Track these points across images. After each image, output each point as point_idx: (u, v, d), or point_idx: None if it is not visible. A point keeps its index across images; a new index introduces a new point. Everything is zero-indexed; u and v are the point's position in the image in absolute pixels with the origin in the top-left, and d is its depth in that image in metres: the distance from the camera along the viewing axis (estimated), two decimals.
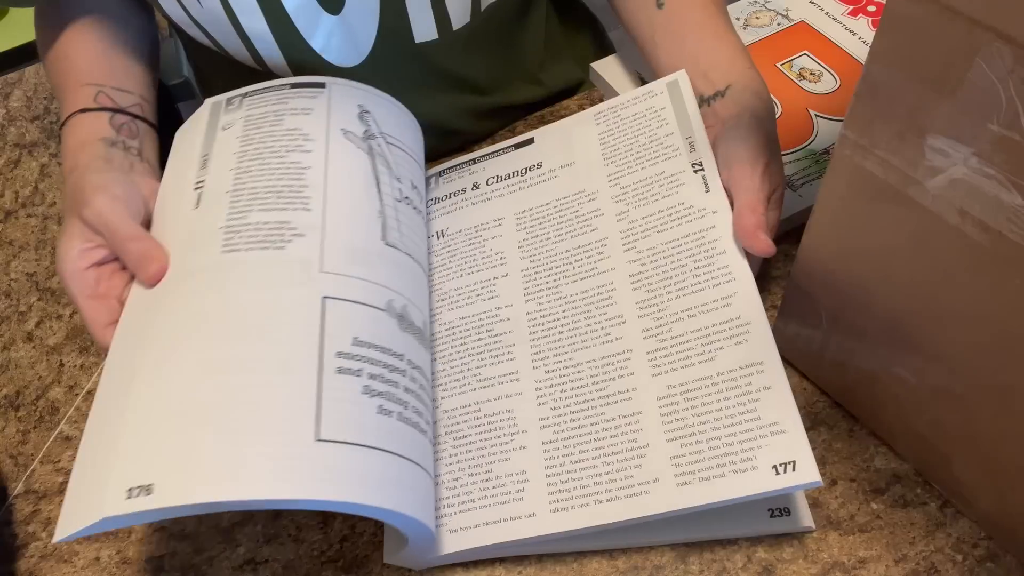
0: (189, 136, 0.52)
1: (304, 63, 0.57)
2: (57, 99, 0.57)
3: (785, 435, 0.39)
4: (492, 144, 0.65)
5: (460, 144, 0.66)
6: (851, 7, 0.66)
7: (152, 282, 0.44)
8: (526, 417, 0.45)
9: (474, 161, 0.58)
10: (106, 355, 0.43)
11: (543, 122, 0.65)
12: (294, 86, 0.52)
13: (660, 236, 0.48)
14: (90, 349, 0.58)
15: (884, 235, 0.37)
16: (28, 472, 0.52)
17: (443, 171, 0.59)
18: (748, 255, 0.45)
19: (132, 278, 0.45)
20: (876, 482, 0.44)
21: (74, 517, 0.35)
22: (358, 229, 0.46)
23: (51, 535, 0.48)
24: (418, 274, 0.49)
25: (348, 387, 0.39)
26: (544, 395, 0.46)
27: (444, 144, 0.65)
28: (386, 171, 0.50)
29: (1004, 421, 0.37)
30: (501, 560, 0.44)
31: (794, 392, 0.47)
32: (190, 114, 0.55)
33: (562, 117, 0.65)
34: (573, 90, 0.72)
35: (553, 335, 0.48)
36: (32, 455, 0.53)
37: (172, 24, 0.59)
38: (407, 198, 0.50)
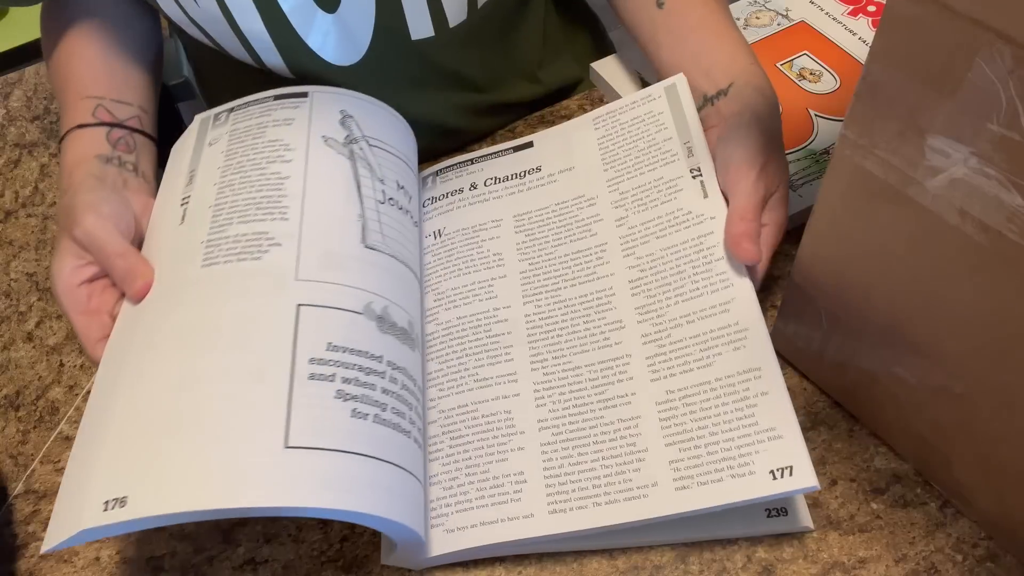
0: (180, 152, 0.54)
1: (302, 62, 0.57)
2: (58, 108, 0.57)
3: (782, 440, 0.40)
4: (491, 145, 0.65)
5: (459, 143, 0.66)
6: (851, 7, 0.66)
7: (138, 297, 0.45)
8: (524, 418, 0.45)
9: (472, 161, 0.58)
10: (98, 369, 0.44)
11: (543, 122, 0.65)
12: (277, 98, 0.53)
13: (659, 242, 0.49)
14: None
15: (884, 235, 0.37)
16: (28, 472, 0.52)
17: (440, 170, 0.59)
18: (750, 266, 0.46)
19: (123, 294, 0.47)
20: (876, 482, 0.44)
21: (58, 529, 0.36)
22: (336, 234, 0.46)
23: None
24: (403, 274, 0.49)
25: (320, 392, 0.39)
26: (543, 397, 0.46)
27: (443, 143, 0.65)
28: (368, 174, 0.50)
29: (1004, 421, 0.37)
30: (501, 560, 0.44)
31: (794, 392, 0.48)
32: (190, 114, 0.55)
33: (562, 116, 0.65)
34: (571, 88, 0.72)
35: (552, 338, 0.48)
36: (32, 455, 0.53)
37: (171, 24, 0.59)
38: (391, 199, 0.50)
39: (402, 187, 0.52)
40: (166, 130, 0.60)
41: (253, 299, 0.42)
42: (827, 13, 0.66)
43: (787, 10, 0.67)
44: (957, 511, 0.43)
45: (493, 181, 0.57)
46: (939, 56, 0.29)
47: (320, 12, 0.55)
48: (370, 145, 0.51)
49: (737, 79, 0.50)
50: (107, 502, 0.35)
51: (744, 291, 0.45)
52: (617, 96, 0.64)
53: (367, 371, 0.41)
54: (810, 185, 0.55)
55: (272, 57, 0.57)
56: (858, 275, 0.40)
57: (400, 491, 0.40)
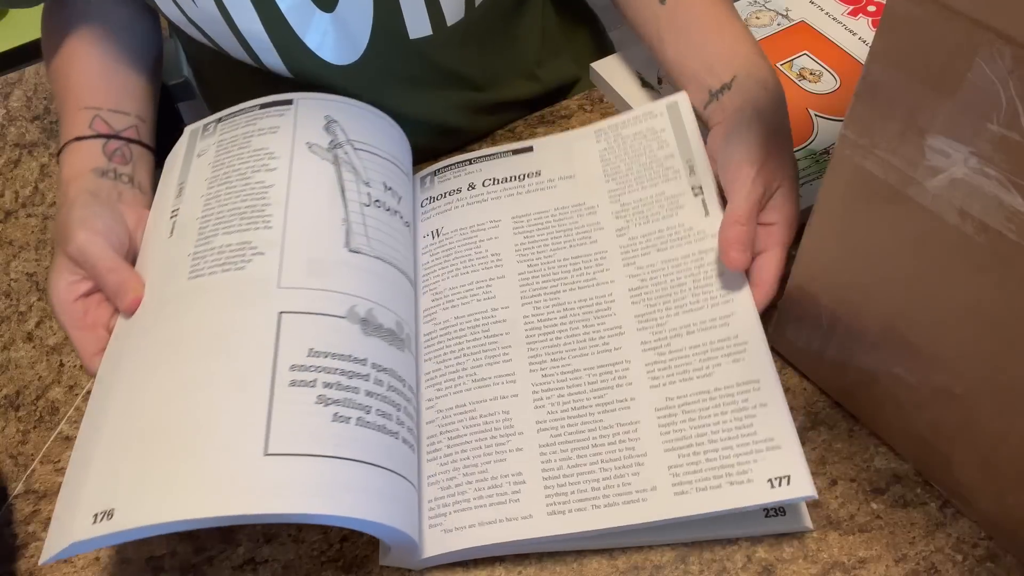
0: (171, 164, 0.54)
1: (300, 62, 0.57)
2: (57, 116, 0.58)
3: (780, 450, 0.41)
4: (491, 145, 0.65)
5: (459, 142, 0.66)
6: (851, 7, 0.66)
7: (129, 311, 0.46)
8: (522, 419, 0.45)
9: (470, 162, 0.58)
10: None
11: (543, 122, 0.65)
12: (263, 106, 0.53)
13: (660, 255, 0.49)
14: None
15: (884, 235, 0.37)
16: (28, 472, 0.52)
17: (439, 170, 0.59)
18: (753, 282, 0.46)
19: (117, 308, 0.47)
20: (876, 482, 0.44)
21: (53, 541, 0.37)
22: (319, 240, 0.46)
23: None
24: (390, 275, 0.49)
25: (301, 399, 0.40)
26: (541, 398, 0.46)
27: (442, 142, 0.65)
28: (353, 178, 0.50)
29: (1004, 421, 0.37)
30: (501, 560, 0.44)
31: (794, 392, 0.48)
32: (190, 114, 0.55)
33: (562, 116, 0.65)
34: (570, 87, 0.72)
35: (551, 340, 0.48)
36: (32, 455, 0.53)
37: (171, 24, 0.59)
38: (377, 201, 0.50)
39: (389, 188, 0.52)
40: (166, 130, 0.60)
41: (236, 309, 0.43)
42: (827, 13, 0.66)
43: (787, 10, 0.67)
44: (957, 511, 0.43)
45: (492, 182, 0.57)
46: (939, 56, 0.29)
47: (318, 11, 0.55)
48: (355, 149, 0.52)
49: (739, 72, 0.49)
50: (96, 515, 0.36)
51: (744, 306, 0.46)
52: (617, 96, 0.64)
53: (350, 375, 0.42)
54: (810, 185, 0.55)
55: (271, 57, 0.57)
56: (858, 275, 0.40)
57: (386, 493, 0.40)
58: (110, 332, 0.47)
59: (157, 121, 0.60)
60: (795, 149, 0.58)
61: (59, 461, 0.52)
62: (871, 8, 0.66)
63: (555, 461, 0.44)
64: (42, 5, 0.61)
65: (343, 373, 0.41)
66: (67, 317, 0.47)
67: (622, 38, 0.64)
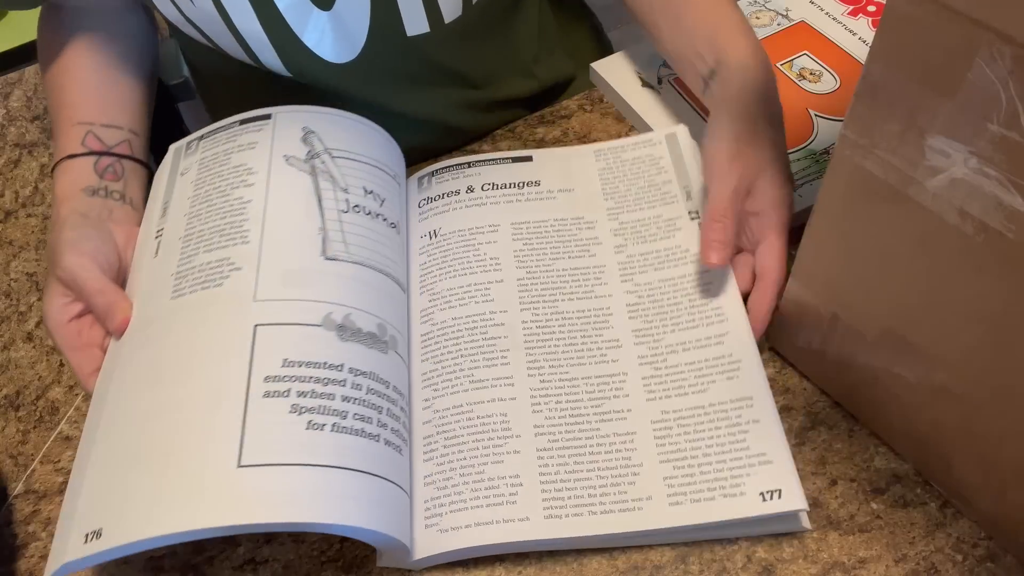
0: (157, 183, 0.55)
1: (299, 61, 0.57)
2: (51, 128, 0.58)
3: (772, 465, 0.42)
4: (491, 144, 0.65)
5: (458, 141, 0.66)
6: (851, 7, 0.66)
7: (118, 332, 0.47)
8: (520, 422, 0.46)
9: (468, 165, 0.59)
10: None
11: (543, 122, 0.65)
12: (243, 122, 0.54)
13: (657, 273, 0.51)
14: None
15: (884, 235, 0.37)
16: (28, 472, 0.52)
17: (436, 171, 0.59)
18: (757, 274, 0.47)
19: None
20: (876, 482, 0.44)
21: (51, 561, 0.39)
22: (294, 251, 0.47)
23: (51, 535, 0.48)
24: (372, 279, 0.49)
25: (275, 409, 0.40)
26: (539, 403, 0.46)
27: (442, 140, 0.65)
28: (330, 186, 0.50)
29: (1004, 421, 0.37)
30: (501, 560, 0.44)
31: (794, 392, 0.48)
32: (190, 114, 0.55)
33: (562, 117, 0.65)
34: (566, 84, 0.72)
35: (549, 347, 0.49)
36: (32, 455, 0.53)
37: (169, 24, 0.59)
38: (356, 206, 0.50)
39: (370, 192, 0.52)
40: (166, 130, 0.60)
41: (214, 325, 0.44)
42: (827, 13, 0.66)
43: (787, 10, 0.67)
44: (957, 511, 0.43)
45: (491, 187, 0.57)
46: (939, 56, 0.29)
47: (316, 10, 0.55)
48: (333, 157, 0.52)
49: (723, 57, 0.49)
50: (87, 535, 0.38)
51: (739, 325, 0.47)
52: (617, 96, 0.64)
53: (325, 381, 0.42)
54: (810, 185, 0.55)
55: (269, 56, 0.57)
56: (858, 275, 0.40)
57: (364, 496, 0.40)
58: (104, 351, 0.48)
59: (157, 121, 0.61)
60: (795, 149, 0.58)
61: (59, 461, 0.52)
62: (871, 8, 0.66)
63: (552, 466, 0.44)
64: (40, 12, 0.61)
65: (317, 381, 0.42)
66: (62, 338, 0.48)
67: (622, 38, 0.64)
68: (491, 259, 0.53)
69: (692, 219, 0.52)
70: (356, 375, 0.43)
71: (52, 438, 0.53)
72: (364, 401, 0.43)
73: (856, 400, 0.46)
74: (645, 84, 0.64)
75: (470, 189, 0.57)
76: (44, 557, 0.48)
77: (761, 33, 0.65)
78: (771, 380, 0.48)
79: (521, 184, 0.57)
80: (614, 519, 0.42)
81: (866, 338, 0.42)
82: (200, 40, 0.58)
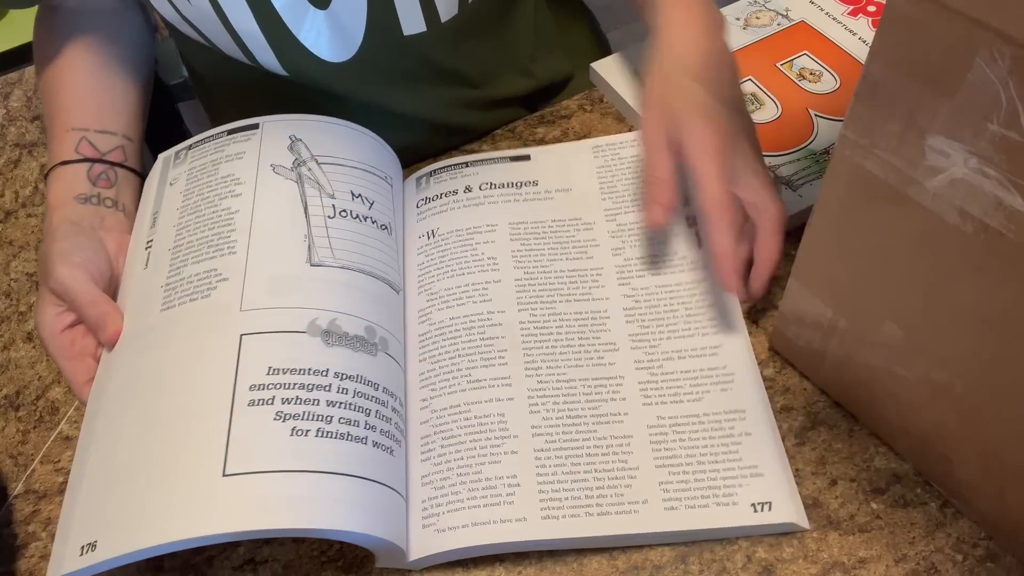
0: (146, 192, 0.55)
1: (295, 60, 0.57)
2: (45, 133, 0.58)
3: (763, 478, 0.43)
4: (491, 144, 0.65)
5: (457, 140, 0.66)
6: (851, 7, 0.66)
7: (110, 343, 0.47)
8: (517, 422, 0.46)
9: (466, 164, 0.59)
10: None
11: (543, 122, 0.65)
12: (231, 132, 0.54)
13: (654, 279, 0.51)
14: None
15: (884, 235, 0.37)
16: (28, 472, 0.52)
17: (434, 171, 0.59)
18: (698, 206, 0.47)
19: None
20: (876, 482, 0.44)
21: (50, 573, 0.40)
22: (280, 260, 0.47)
23: (51, 535, 0.48)
24: (360, 282, 0.49)
25: (259, 417, 0.41)
26: (536, 404, 0.46)
27: (440, 140, 0.65)
28: (316, 193, 0.51)
29: (1004, 421, 0.37)
30: (501, 560, 0.44)
31: (794, 392, 0.48)
32: (190, 114, 0.55)
33: (562, 117, 0.65)
34: (564, 83, 0.72)
35: (547, 348, 0.49)
36: (32, 455, 0.53)
37: (166, 23, 0.59)
38: (343, 211, 0.51)
39: (358, 196, 0.52)
40: (166, 130, 0.60)
41: (202, 336, 0.44)
42: (827, 13, 0.66)
43: (787, 10, 0.67)
44: (957, 511, 0.43)
45: (488, 186, 0.57)
46: (939, 56, 0.29)
47: (312, 9, 0.55)
48: (319, 163, 0.52)
49: (660, 39, 0.48)
50: (82, 547, 0.38)
51: (733, 338, 0.48)
52: (617, 96, 0.64)
53: (309, 387, 0.42)
54: (810, 185, 0.55)
55: (266, 55, 0.57)
56: (858, 275, 0.40)
57: (350, 500, 0.40)
58: (98, 360, 0.48)
59: (157, 121, 0.61)
60: (795, 149, 0.58)
61: (59, 461, 0.52)
62: (871, 8, 0.66)
63: (550, 466, 0.44)
64: (36, 13, 0.61)
65: (302, 387, 0.42)
66: (55, 348, 0.48)
67: (621, 38, 0.64)
68: (489, 259, 0.53)
69: (688, 226, 0.53)
70: (342, 379, 0.43)
71: (52, 438, 0.53)
72: (350, 405, 0.43)
73: (856, 400, 0.46)
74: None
75: (468, 189, 0.57)
76: (44, 557, 0.48)
77: (761, 33, 0.65)
78: (771, 380, 0.48)
79: (519, 184, 0.57)
80: (610, 521, 0.42)
81: (866, 338, 0.41)
82: (197, 39, 0.58)
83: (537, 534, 0.42)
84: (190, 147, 0.55)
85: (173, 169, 0.54)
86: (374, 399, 0.44)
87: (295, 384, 0.42)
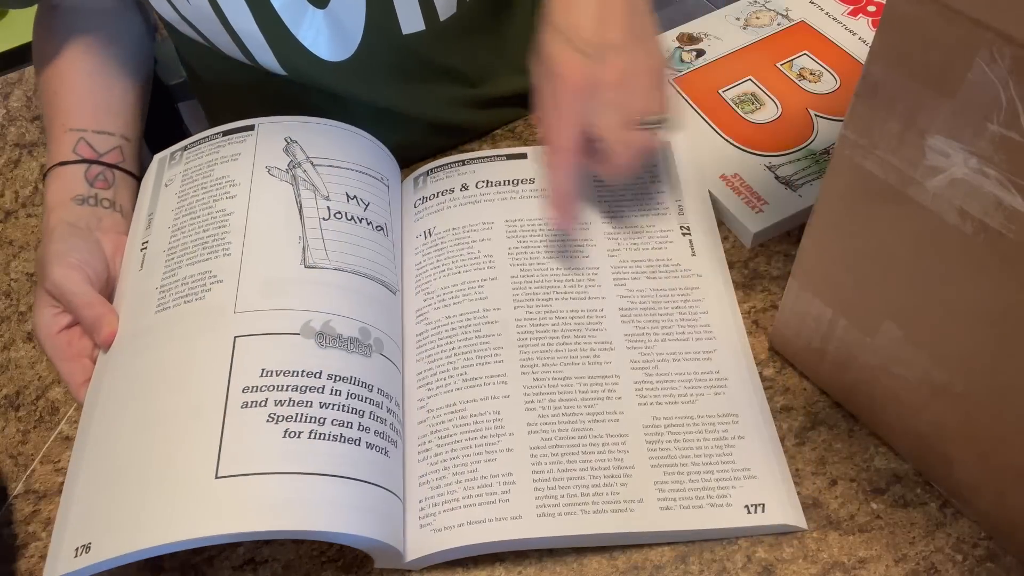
0: (142, 193, 0.55)
1: (294, 59, 0.57)
2: (44, 132, 0.59)
3: (756, 480, 0.43)
4: (491, 146, 0.65)
5: (457, 139, 0.66)
6: (851, 7, 0.66)
7: (106, 345, 0.47)
8: (513, 420, 0.46)
9: (463, 163, 0.59)
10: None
11: None
12: (226, 133, 0.54)
13: (649, 282, 0.51)
14: None
15: (884, 235, 0.37)
16: (28, 472, 0.52)
17: (432, 170, 0.59)
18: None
19: None
20: (876, 482, 0.44)
21: (46, 573, 0.40)
22: (274, 262, 0.47)
23: (51, 535, 0.48)
24: (355, 284, 0.49)
25: (252, 419, 0.41)
26: (532, 401, 0.46)
27: (440, 139, 0.65)
28: (311, 195, 0.51)
29: (1004, 421, 0.37)
30: (501, 560, 0.44)
31: (794, 392, 0.48)
32: (190, 114, 0.55)
33: None
34: None
35: (543, 345, 0.49)
36: (32, 455, 0.53)
37: (165, 23, 0.59)
38: (338, 213, 0.51)
39: (353, 197, 0.52)
40: (166, 130, 0.60)
41: (196, 338, 0.44)
42: (827, 13, 0.66)
43: (787, 10, 0.67)
44: (957, 511, 0.43)
45: (485, 184, 0.57)
46: (939, 56, 0.29)
47: (311, 8, 0.55)
48: (314, 165, 0.52)
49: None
50: (76, 549, 0.38)
51: (726, 344, 0.48)
52: None
53: (302, 389, 0.42)
54: (810, 185, 0.55)
55: (265, 55, 0.57)
56: (858, 275, 0.40)
57: (342, 501, 0.40)
58: (95, 361, 0.48)
59: (157, 121, 0.61)
60: (795, 149, 0.58)
61: (59, 461, 0.52)
62: (871, 8, 0.66)
63: (546, 464, 0.44)
64: (36, 12, 0.61)
65: (295, 389, 0.42)
66: (52, 349, 0.48)
67: None
68: (485, 256, 0.53)
69: (683, 234, 0.53)
70: (335, 381, 0.43)
71: (52, 438, 0.53)
72: (344, 406, 0.43)
73: (856, 400, 0.46)
74: None
75: (464, 187, 0.57)
76: (44, 557, 0.48)
77: (761, 33, 0.65)
78: (771, 380, 0.48)
79: (516, 181, 0.57)
80: (607, 519, 0.42)
81: (866, 338, 0.42)
82: (196, 39, 0.58)
83: (533, 532, 0.42)
84: (185, 148, 0.55)
85: (168, 170, 0.54)
86: (368, 400, 0.44)
87: (288, 386, 0.42)
